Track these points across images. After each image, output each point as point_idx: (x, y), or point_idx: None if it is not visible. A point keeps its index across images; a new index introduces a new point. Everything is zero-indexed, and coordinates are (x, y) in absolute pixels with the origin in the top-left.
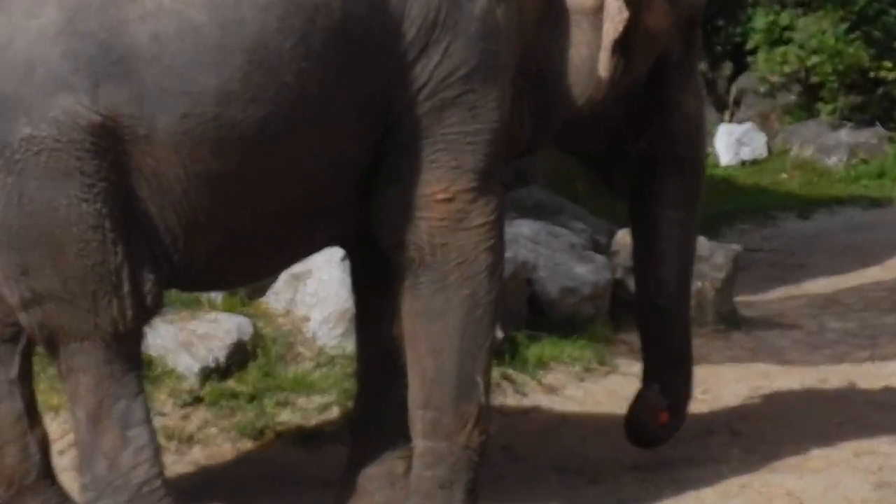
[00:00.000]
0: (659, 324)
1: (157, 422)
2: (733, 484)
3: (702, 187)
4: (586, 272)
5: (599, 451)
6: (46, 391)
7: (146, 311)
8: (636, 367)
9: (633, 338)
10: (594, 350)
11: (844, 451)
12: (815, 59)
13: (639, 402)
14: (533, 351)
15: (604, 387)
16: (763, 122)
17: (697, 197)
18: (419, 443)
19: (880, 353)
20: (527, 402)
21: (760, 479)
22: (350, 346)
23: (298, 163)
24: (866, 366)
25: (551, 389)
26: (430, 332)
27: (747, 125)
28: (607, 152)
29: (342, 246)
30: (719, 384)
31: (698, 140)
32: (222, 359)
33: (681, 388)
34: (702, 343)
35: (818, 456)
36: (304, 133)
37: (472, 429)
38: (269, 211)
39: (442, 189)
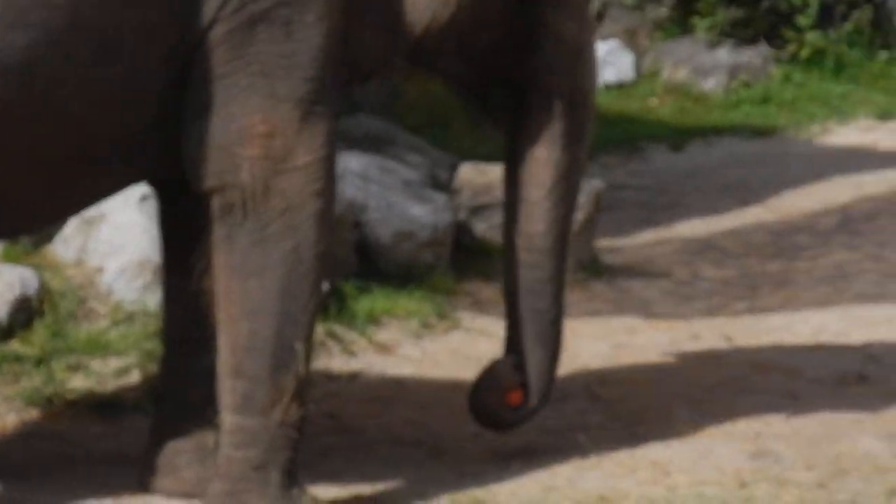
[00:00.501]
0: (526, 285)
1: None
2: (591, 455)
3: (586, 125)
4: (424, 213)
5: (440, 419)
6: None
7: None
8: (482, 322)
9: (479, 288)
10: (433, 303)
11: (717, 417)
12: None
13: (487, 374)
14: (362, 304)
15: (444, 345)
16: (630, 39)
17: (579, 137)
18: (228, 417)
19: (761, 305)
20: (356, 363)
21: (622, 449)
22: (152, 301)
23: (74, 96)
24: (745, 319)
25: (384, 348)
26: (244, 290)
27: (612, 42)
28: (484, 81)
29: (151, 184)
30: (577, 342)
31: (579, 69)
32: (3, 317)
33: (544, 365)
34: None
35: (688, 422)
36: (79, 63)
37: (290, 403)
38: (40, 149)
39: (259, 121)
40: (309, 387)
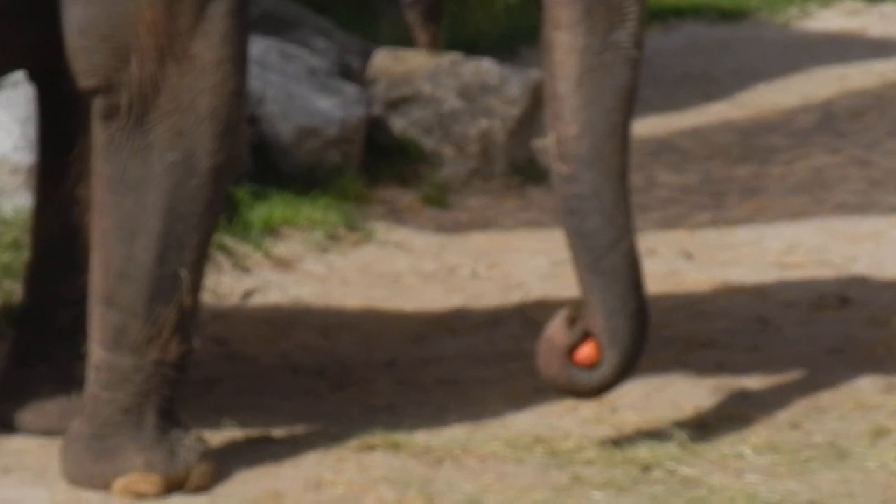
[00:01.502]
0: (566, 204)
1: None
2: (526, 386)
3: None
4: (331, 107)
5: (347, 346)
6: None
7: None
8: (399, 234)
9: (395, 195)
10: (341, 211)
11: (674, 346)
12: None
13: (542, 339)
14: (258, 212)
15: (354, 261)
16: None
17: (616, 16)
18: (97, 351)
19: (726, 217)
20: (250, 280)
21: None
22: (9, 206)
23: None
24: (707, 232)
25: (283, 264)
26: (121, 207)
27: None
28: None
29: (29, 75)
30: (511, 257)
31: None
32: None
33: (610, 302)
34: (489, 202)
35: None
36: None
37: (170, 339)
38: None
39: (148, 5)
40: (194, 320)
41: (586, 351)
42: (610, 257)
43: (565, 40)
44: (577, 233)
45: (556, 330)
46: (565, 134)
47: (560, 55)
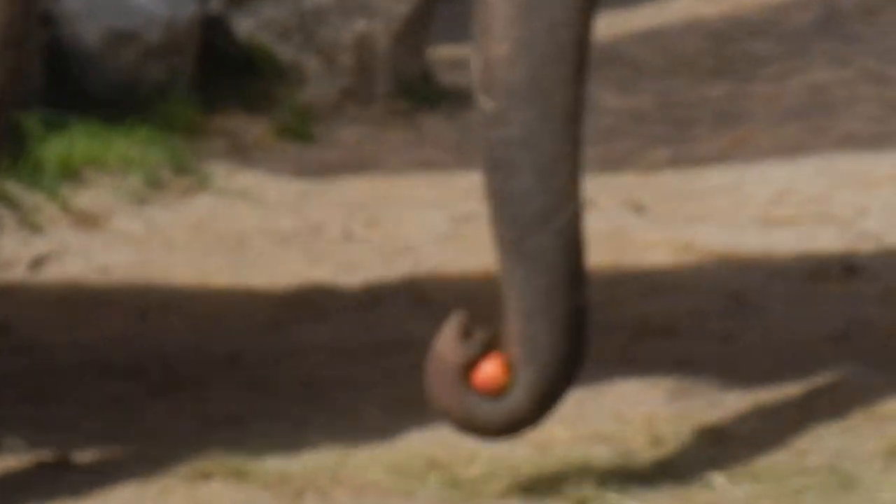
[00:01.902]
0: (490, 153)
1: None
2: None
3: None
4: (152, 4)
5: (173, 333)
6: None
7: None
8: (244, 179)
9: (241, 124)
10: (166, 147)
11: (619, 333)
12: None
13: (432, 356)
14: (54, 149)
15: (183, 216)
16: None
17: None
18: None
19: (692, 154)
20: (42, 242)
21: None
22: None
23: None
24: (666, 176)
25: (86, 220)
26: None
27: None
28: None
29: None
30: (398, 211)
31: None
32: None
33: (534, 300)
34: (367, 135)
35: None
36: None
37: None
38: None
39: None
40: None
41: (490, 370)
42: (540, 235)
43: None
44: (500, 195)
45: (447, 342)
46: (493, 54)
47: None
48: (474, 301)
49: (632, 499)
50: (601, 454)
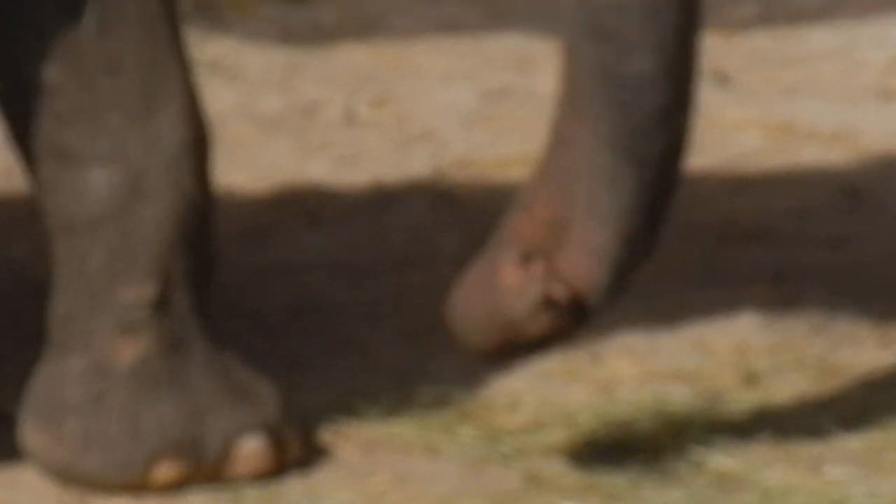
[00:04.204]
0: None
1: None
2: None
3: None
4: None
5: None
6: None
7: None
8: (217, 48)
9: None
10: None
11: (701, 239)
12: None
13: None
14: None
15: None
16: None
17: None
18: None
19: (785, 6)
20: None
21: None
22: None
23: None
24: (755, 35)
25: None
26: None
27: None
28: None
29: None
30: (412, 85)
31: None
32: None
33: (628, 198)
34: None
35: None
36: None
37: None
38: None
39: None
40: None
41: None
42: (655, 135)
43: None
44: (604, 74)
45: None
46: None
47: None
48: (511, 201)
49: (720, 453)
50: (680, 396)
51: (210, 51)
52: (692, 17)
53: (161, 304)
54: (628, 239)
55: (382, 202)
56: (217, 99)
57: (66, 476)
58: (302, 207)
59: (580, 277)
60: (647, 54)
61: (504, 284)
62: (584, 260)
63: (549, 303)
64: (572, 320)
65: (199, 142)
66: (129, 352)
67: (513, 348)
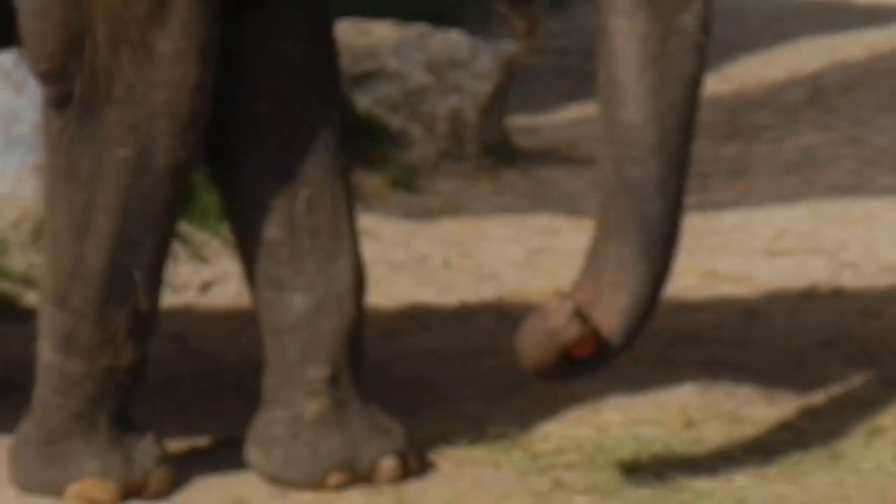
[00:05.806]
0: (627, 184)
1: None
2: (501, 384)
3: None
4: None
5: None
6: None
7: None
8: (368, 221)
9: (363, 178)
10: None
11: (657, 340)
12: None
13: (537, 323)
14: (217, 196)
15: None
16: None
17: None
18: (46, 352)
19: (711, 200)
20: (208, 271)
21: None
22: None
23: None
24: (692, 218)
25: None
26: (71, 202)
27: None
28: None
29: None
30: (484, 245)
31: None
32: None
33: (643, 291)
34: (460, 186)
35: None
36: None
37: (123, 344)
38: None
39: None
40: (150, 325)
41: (582, 349)
42: (663, 246)
43: (624, 26)
44: (635, 212)
45: (557, 321)
46: (627, 119)
47: (619, 41)
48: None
49: (670, 467)
50: (647, 433)
51: (362, 222)
52: (682, 189)
53: (333, 380)
54: (640, 304)
55: (465, 316)
56: (365, 252)
57: (273, 481)
58: (416, 318)
59: (605, 326)
60: (661, 202)
61: (547, 307)
62: (610, 316)
63: (579, 315)
64: (599, 358)
65: (359, 283)
66: (313, 408)
67: (559, 369)
